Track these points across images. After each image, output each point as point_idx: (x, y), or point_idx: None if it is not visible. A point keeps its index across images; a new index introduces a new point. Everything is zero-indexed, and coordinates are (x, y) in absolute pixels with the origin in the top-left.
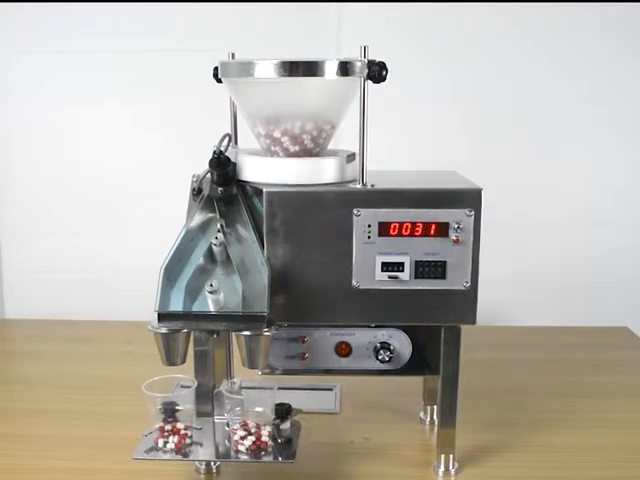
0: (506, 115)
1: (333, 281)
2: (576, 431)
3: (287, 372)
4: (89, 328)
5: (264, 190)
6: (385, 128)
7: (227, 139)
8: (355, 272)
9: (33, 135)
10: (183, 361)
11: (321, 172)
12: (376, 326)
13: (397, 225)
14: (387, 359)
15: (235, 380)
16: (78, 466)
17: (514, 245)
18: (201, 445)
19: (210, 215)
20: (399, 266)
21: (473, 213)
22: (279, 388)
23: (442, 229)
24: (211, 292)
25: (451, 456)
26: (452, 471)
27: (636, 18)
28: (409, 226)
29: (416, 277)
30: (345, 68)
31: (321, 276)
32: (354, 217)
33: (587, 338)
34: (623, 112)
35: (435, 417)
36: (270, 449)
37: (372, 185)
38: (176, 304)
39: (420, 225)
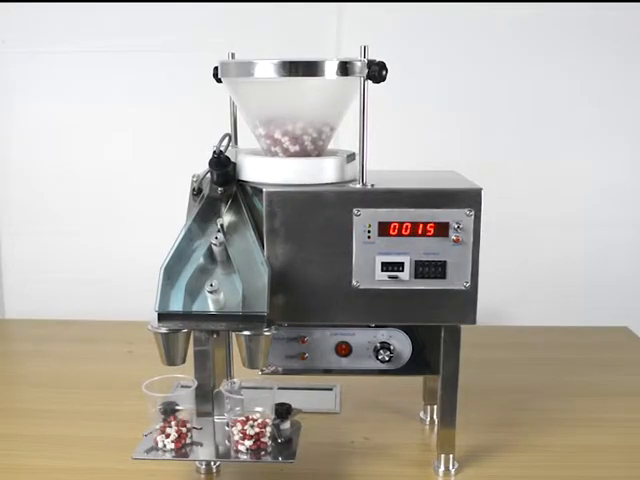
0: (505, 115)
1: (333, 281)
2: (576, 431)
3: (287, 372)
4: (89, 328)
5: (264, 190)
6: (385, 128)
7: (227, 139)
8: (355, 272)
9: (33, 135)
10: (183, 361)
11: (321, 172)
12: (376, 326)
13: (397, 225)
14: (387, 359)
15: (235, 380)
16: (78, 466)
17: (514, 245)
18: (201, 445)
19: (210, 215)
20: (399, 266)
21: (473, 213)
22: (279, 388)
23: (442, 229)
24: (211, 292)
25: (451, 456)
26: (452, 471)
27: (634, 19)
28: (409, 226)
29: (416, 277)
30: (345, 68)
31: (321, 276)
32: (354, 217)
33: (587, 338)
34: (621, 112)
35: (435, 417)
36: (270, 449)
37: (372, 185)
38: (176, 304)
39: (420, 225)
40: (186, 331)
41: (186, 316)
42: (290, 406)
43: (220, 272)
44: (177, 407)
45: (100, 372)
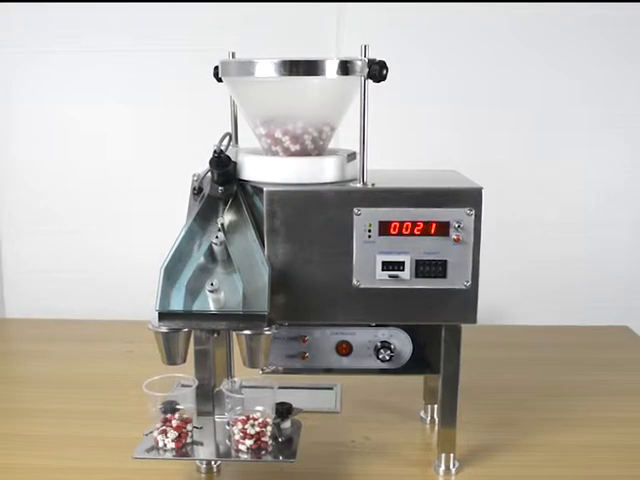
0: (505, 115)
1: (333, 280)
2: (576, 431)
3: (287, 371)
4: (89, 328)
5: (264, 189)
6: (385, 127)
7: (227, 138)
8: (355, 271)
9: (33, 135)
10: (183, 360)
11: (321, 171)
12: (377, 325)
13: (397, 224)
14: (388, 358)
15: (235, 379)
16: (78, 466)
17: (514, 245)
18: (202, 444)
19: (210, 214)
20: (399, 265)
21: (473, 212)
22: (279, 387)
23: (442, 228)
24: (211, 291)
25: (452, 455)
26: (453, 470)
27: (632, 19)
28: (409, 225)
29: (417, 276)
30: (345, 67)
31: (321, 275)
32: (354, 216)
33: (587, 338)
34: (621, 112)
35: (435, 416)
36: (271, 448)
37: (372, 184)
38: (176, 303)
39: (420, 224)
40: (186, 330)
41: (186, 315)
42: (291, 405)
43: (220, 271)
44: (177, 406)
45: (100, 372)
